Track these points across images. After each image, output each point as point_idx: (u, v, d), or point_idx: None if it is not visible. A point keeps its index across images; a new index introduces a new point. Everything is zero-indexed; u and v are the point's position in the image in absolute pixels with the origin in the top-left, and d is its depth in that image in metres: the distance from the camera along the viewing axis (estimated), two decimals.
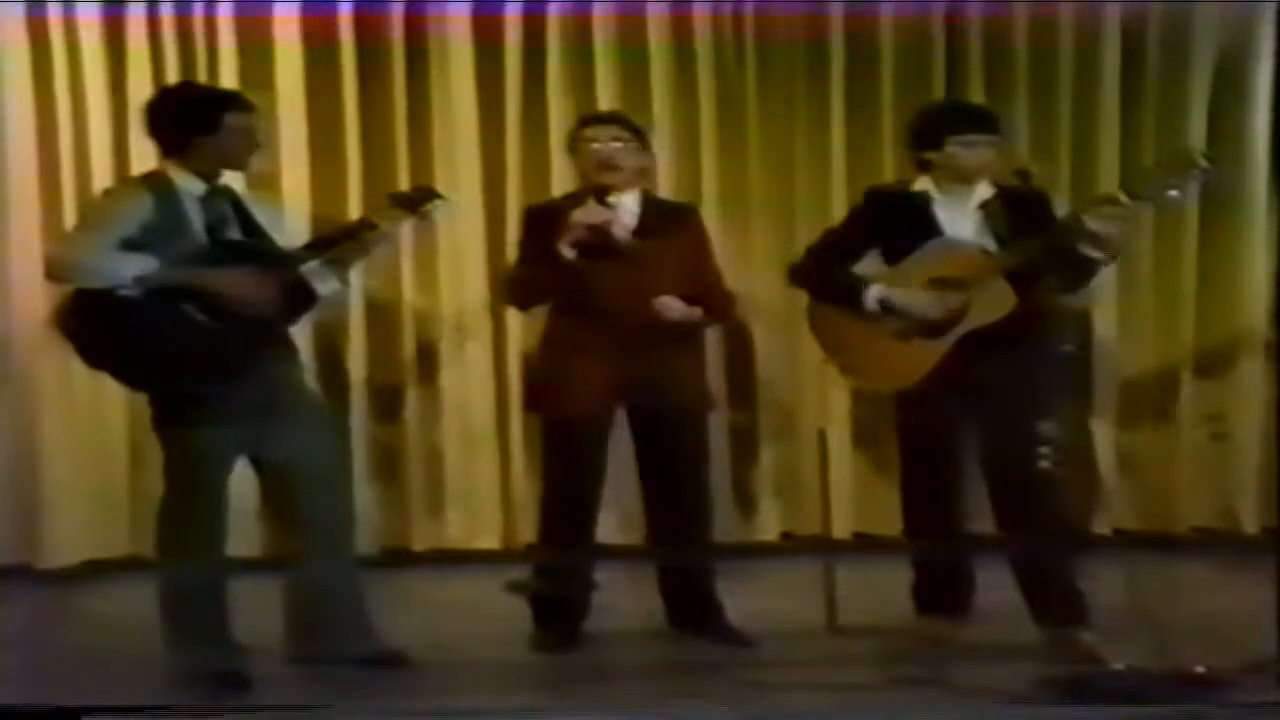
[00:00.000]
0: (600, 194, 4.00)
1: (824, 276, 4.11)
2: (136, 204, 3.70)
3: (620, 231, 4.02)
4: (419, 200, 4.06)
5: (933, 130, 3.98)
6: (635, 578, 4.35)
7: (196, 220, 3.73)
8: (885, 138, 5.21)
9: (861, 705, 3.62)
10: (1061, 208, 4.10)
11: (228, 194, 3.86)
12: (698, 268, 4.20)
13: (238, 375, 3.67)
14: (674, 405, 4.09)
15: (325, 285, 3.88)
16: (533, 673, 4.03)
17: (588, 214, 3.96)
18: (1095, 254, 3.75)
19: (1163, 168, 3.86)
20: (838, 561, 4.38)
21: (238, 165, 3.88)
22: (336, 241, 3.95)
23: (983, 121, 4.00)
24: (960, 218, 3.95)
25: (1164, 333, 5.37)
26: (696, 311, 4.07)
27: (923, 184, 4.02)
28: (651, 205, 4.19)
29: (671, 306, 4.01)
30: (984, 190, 3.97)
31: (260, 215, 3.93)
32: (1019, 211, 3.88)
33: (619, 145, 4.07)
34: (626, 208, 4.08)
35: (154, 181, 3.77)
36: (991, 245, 3.89)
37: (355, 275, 4.14)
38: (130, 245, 3.63)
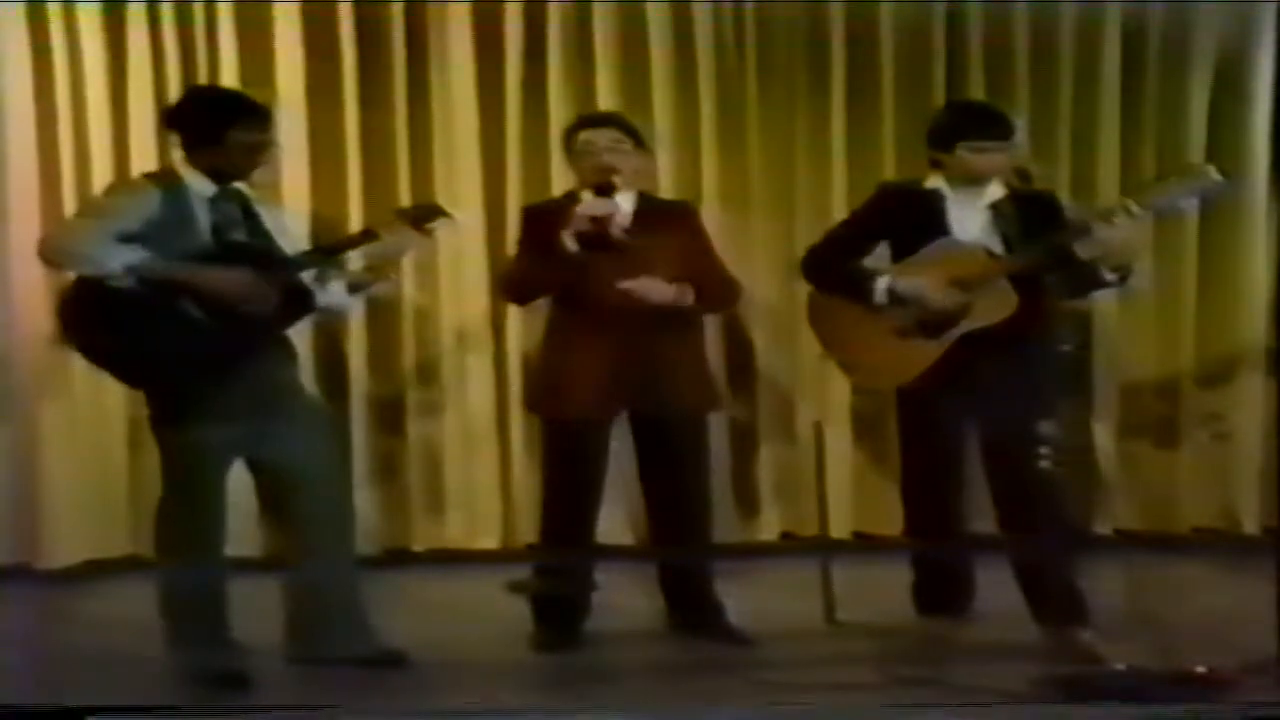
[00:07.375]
0: (600, 190, 4.00)
1: (832, 269, 4.10)
2: (142, 199, 3.71)
3: (618, 231, 4.02)
4: (424, 217, 4.07)
5: (946, 132, 3.96)
6: (635, 578, 4.35)
7: (203, 220, 3.74)
8: (886, 136, 5.21)
9: (861, 705, 3.62)
10: (1067, 209, 4.09)
11: (238, 197, 3.85)
12: (696, 262, 4.18)
13: (229, 373, 3.67)
14: (675, 405, 4.08)
15: (338, 298, 3.96)
16: (533, 673, 4.02)
17: (590, 206, 3.96)
18: (1108, 276, 3.77)
19: (1175, 180, 3.83)
20: (837, 561, 4.39)
21: (248, 172, 3.87)
22: (338, 249, 3.99)
23: (996, 127, 3.95)
24: (970, 217, 3.94)
25: (1165, 332, 5.36)
26: (687, 293, 4.05)
27: (934, 182, 4.00)
28: (647, 204, 4.18)
29: (653, 288, 3.99)
30: (995, 190, 3.95)
31: (269, 219, 3.93)
32: (1028, 213, 3.88)
33: (615, 148, 4.06)
34: (622, 208, 4.08)
35: (164, 179, 3.78)
36: (998, 246, 3.89)
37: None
38: (132, 240, 3.62)
